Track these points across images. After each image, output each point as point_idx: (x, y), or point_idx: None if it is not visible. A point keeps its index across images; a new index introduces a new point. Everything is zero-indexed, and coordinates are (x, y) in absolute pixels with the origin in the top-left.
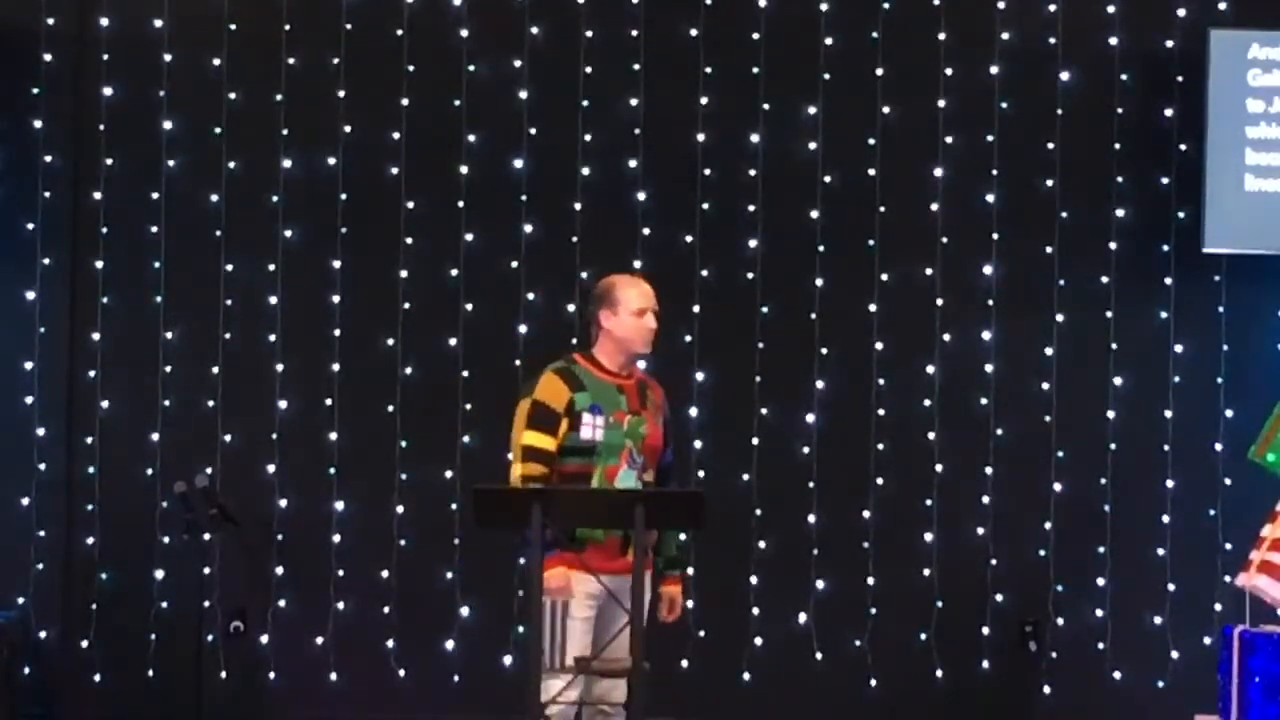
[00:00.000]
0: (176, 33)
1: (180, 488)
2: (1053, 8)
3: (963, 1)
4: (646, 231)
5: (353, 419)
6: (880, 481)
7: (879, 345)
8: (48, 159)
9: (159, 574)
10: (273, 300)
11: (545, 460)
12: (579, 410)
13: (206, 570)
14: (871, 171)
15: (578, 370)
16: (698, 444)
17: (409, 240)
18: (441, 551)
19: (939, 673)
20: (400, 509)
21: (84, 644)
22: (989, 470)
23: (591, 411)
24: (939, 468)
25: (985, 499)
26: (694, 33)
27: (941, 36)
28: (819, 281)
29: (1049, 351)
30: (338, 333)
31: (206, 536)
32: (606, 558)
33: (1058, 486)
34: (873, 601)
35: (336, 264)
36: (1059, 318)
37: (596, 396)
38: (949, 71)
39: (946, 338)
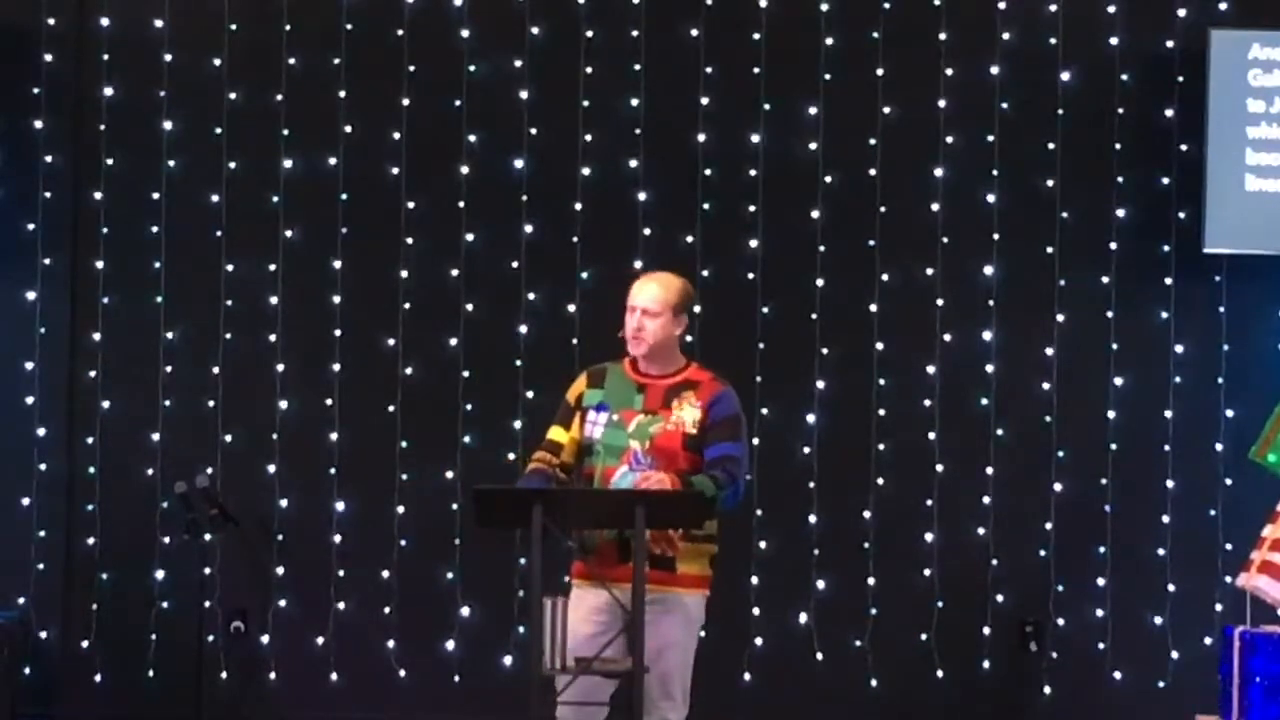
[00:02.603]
0: (176, 33)
1: (180, 488)
2: (1053, 8)
3: (963, 1)
4: (646, 231)
5: (353, 419)
6: (880, 481)
7: (879, 345)
8: (48, 159)
9: (159, 574)
10: (273, 300)
11: (555, 450)
12: (585, 406)
13: (206, 570)
14: (871, 171)
15: (610, 368)
16: None
17: (409, 240)
18: (441, 551)
19: (939, 673)
20: (400, 509)
21: (84, 644)
22: (989, 470)
23: (597, 409)
24: (939, 468)
25: (985, 499)
26: (694, 33)
27: (942, 36)
28: (819, 281)
29: (1049, 351)
30: (338, 333)
31: (207, 536)
32: (604, 566)
33: (1058, 486)
34: (873, 601)
35: (336, 264)
36: (1059, 318)
37: (609, 395)
38: (949, 71)
39: (946, 338)
